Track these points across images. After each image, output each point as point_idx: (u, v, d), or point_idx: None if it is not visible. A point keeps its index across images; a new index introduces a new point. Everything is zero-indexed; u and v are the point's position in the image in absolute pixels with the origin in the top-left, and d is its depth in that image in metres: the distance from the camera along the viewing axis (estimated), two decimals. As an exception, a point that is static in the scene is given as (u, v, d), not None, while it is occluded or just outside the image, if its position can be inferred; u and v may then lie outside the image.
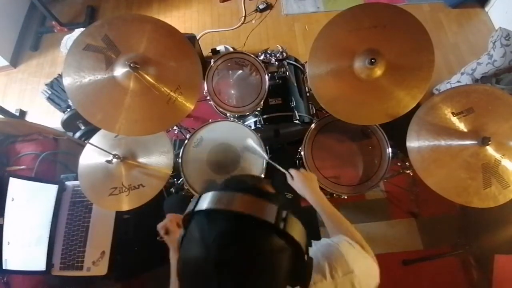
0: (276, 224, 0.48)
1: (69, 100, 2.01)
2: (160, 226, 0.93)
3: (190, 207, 0.54)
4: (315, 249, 0.69)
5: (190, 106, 1.09)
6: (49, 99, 2.09)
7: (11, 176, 1.22)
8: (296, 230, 0.50)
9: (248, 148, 1.28)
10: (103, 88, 1.04)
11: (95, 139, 1.30)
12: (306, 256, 0.52)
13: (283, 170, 1.07)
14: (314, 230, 1.17)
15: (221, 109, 1.47)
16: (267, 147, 1.34)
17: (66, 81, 1.02)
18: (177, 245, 0.81)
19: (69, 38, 2.28)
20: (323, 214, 0.91)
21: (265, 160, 1.28)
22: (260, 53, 1.64)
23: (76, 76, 1.03)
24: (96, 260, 1.26)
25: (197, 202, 0.53)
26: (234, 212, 0.48)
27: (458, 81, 1.96)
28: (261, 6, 2.56)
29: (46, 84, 2.12)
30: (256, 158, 1.31)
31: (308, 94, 1.67)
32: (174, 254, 0.91)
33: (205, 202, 0.51)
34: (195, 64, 1.12)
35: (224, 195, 0.51)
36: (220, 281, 0.45)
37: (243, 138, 1.32)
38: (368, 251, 0.79)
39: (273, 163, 1.15)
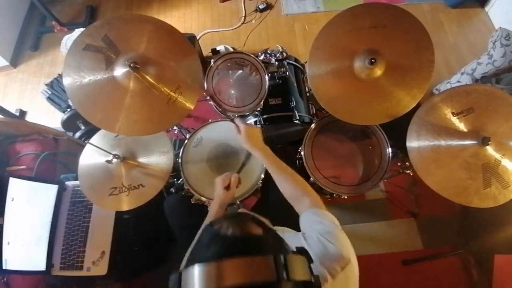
0: (278, 279, 0.44)
1: (69, 100, 2.01)
2: (222, 178, 1.02)
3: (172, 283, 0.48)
4: (311, 251, 0.68)
5: (190, 106, 1.09)
6: (49, 99, 2.09)
7: (11, 176, 1.22)
8: (299, 269, 0.47)
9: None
10: (103, 88, 1.04)
11: (95, 139, 1.30)
12: (312, 278, 0.50)
13: (230, 120, 1.11)
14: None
15: (221, 109, 1.47)
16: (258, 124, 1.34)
17: (66, 81, 1.02)
18: (227, 200, 0.91)
19: (69, 38, 2.28)
20: (271, 168, 0.95)
21: None
22: (260, 53, 1.64)
23: (76, 76, 1.02)
24: (96, 260, 1.26)
25: (179, 285, 0.46)
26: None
27: (458, 81, 1.96)
28: (261, 6, 2.56)
29: (46, 84, 2.12)
30: (256, 159, 1.31)
31: (308, 94, 1.66)
32: (217, 203, 0.98)
33: (192, 284, 0.45)
34: (195, 64, 1.12)
35: (209, 270, 0.44)
36: None
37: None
38: (320, 204, 0.83)
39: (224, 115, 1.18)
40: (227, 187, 1.02)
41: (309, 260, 0.52)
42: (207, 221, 0.94)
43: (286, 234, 0.60)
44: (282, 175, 0.93)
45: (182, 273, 0.47)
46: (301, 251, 0.53)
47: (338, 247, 0.67)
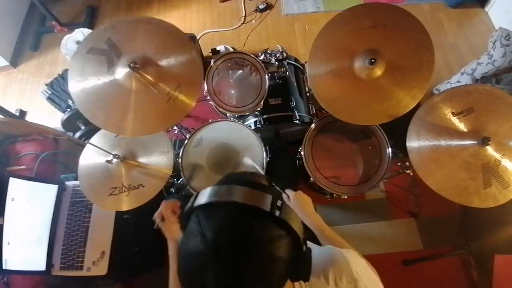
0: (271, 211, 0.49)
1: (69, 100, 2.02)
2: (156, 215, 0.95)
3: (188, 205, 0.55)
4: (319, 253, 0.68)
5: (190, 104, 1.09)
6: (49, 99, 2.09)
7: (11, 176, 1.22)
8: (292, 218, 0.51)
9: (247, 164, 1.28)
10: (105, 90, 1.05)
11: (95, 139, 1.30)
12: (304, 247, 0.52)
13: (281, 191, 1.00)
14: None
15: (221, 109, 1.48)
16: (267, 147, 1.34)
17: (71, 85, 1.04)
18: (174, 234, 0.85)
19: (69, 38, 2.28)
20: (323, 239, 0.88)
21: (265, 161, 1.28)
22: (260, 53, 1.64)
23: (80, 79, 1.04)
24: (96, 260, 1.26)
25: (195, 198, 0.54)
26: (230, 202, 0.50)
27: (458, 81, 1.96)
28: (261, 6, 2.56)
29: (46, 84, 2.12)
30: (256, 158, 1.31)
31: (308, 94, 1.67)
32: (171, 243, 0.92)
33: (202, 197, 0.53)
34: (195, 61, 1.12)
35: (219, 189, 0.53)
36: (217, 269, 0.46)
37: (243, 138, 1.33)
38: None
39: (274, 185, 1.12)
40: (163, 219, 0.94)
41: (305, 240, 0.54)
42: (171, 251, 0.91)
43: None
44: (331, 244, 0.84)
45: (199, 192, 0.55)
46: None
47: (347, 259, 0.67)
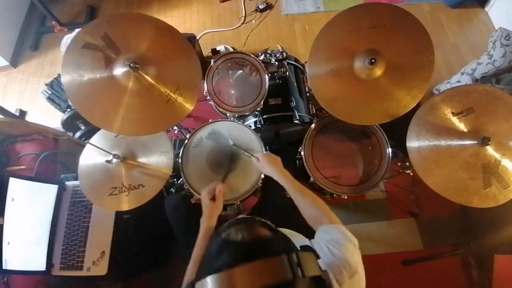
0: (294, 277, 0.44)
1: (69, 100, 2.02)
2: (207, 190, 0.99)
3: None
4: (320, 260, 0.68)
5: (189, 107, 1.09)
6: (49, 99, 2.09)
7: (11, 176, 1.22)
8: (311, 265, 0.48)
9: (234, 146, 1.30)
10: (102, 87, 1.04)
11: (95, 139, 1.30)
12: (322, 273, 0.51)
13: (249, 154, 1.17)
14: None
15: (221, 109, 1.47)
16: (267, 147, 1.34)
17: (65, 79, 1.02)
18: (213, 218, 0.90)
19: (69, 38, 2.28)
20: (292, 192, 0.96)
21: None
22: (260, 53, 1.64)
23: (75, 74, 1.02)
24: (96, 260, 1.26)
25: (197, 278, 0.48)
26: None
27: (458, 81, 1.96)
28: (261, 6, 2.56)
29: (46, 84, 2.12)
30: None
31: (308, 94, 1.66)
32: (206, 224, 0.94)
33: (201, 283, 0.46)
34: (195, 64, 1.12)
35: (222, 280, 0.45)
36: None
37: (243, 138, 1.33)
38: (338, 222, 0.83)
39: (239, 147, 1.25)
40: (213, 198, 0.99)
41: (316, 256, 0.53)
42: (201, 233, 0.92)
43: (294, 238, 0.60)
44: (303, 198, 0.94)
45: (196, 285, 0.47)
46: (307, 248, 0.55)
47: (345, 255, 0.67)
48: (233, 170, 1.28)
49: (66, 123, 1.85)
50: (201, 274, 0.48)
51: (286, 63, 1.61)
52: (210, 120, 1.41)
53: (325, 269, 0.63)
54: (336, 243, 0.70)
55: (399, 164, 1.41)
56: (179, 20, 2.63)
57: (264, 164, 1.08)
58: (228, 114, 1.49)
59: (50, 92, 2.09)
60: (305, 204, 0.92)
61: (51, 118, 2.23)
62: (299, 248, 0.55)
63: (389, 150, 1.35)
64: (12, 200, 1.20)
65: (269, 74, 1.47)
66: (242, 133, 1.36)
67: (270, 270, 0.44)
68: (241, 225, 0.53)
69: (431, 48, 1.09)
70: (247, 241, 0.50)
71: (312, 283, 0.47)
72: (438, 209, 1.77)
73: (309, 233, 0.83)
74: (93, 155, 1.26)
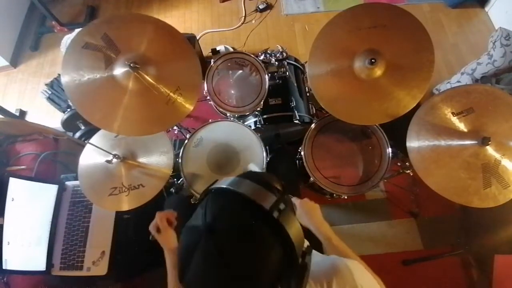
0: (270, 211, 0.50)
1: (69, 100, 2.01)
2: (151, 227, 0.93)
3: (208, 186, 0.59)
4: (323, 260, 0.68)
5: (189, 107, 1.09)
6: (49, 99, 2.09)
7: (11, 176, 1.22)
8: (291, 226, 0.50)
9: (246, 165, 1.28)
10: (102, 87, 1.04)
11: (95, 139, 1.30)
12: (300, 260, 0.52)
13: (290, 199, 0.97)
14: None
15: (221, 109, 1.48)
16: (267, 147, 1.34)
17: (65, 80, 1.02)
18: (170, 244, 0.85)
19: (69, 38, 2.28)
20: (330, 249, 0.84)
21: (265, 161, 1.28)
22: (260, 53, 1.64)
23: (75, 75, 1.02)
24: (96, 260, 1.26)
25: (213, 183, 0.59)
26: (236, 192, 0.53)
27: (458, 81, 1.96)
28: (261, 6, 2.56)
29: (46, 84, 2.12)
30: (256, 158, 1.31)
31: (308, 94, 1.66)
32: (168, 253, 0.91)
33: (219, 183, 0.57)
34: (195, 64, 1.12)
35: (234, 180, 0.56)
36: (206, 248, 0.48)
37: (243, 138, 1.33)
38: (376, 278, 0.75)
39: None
40: (158, 231, 0.92)
41: (309, 250, 0.54)
42: (168, 265, 0.90)
43: None
44: (340, 254, 0.80)
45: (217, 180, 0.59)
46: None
47: (350, 267, 0.65)
48: (239, 170, 1.27)
49: (66, 123, 1.85)
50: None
51: (286, 63, 1.61)
52: (210, 120, 1.41)
53: (322, 278, 0.63)
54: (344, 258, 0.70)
55: (399, 164, 1.42)
56: (179, 20, 2.63)
57: (301, 214, 0.91)
58: (228, 114, 1.49)
59: (50, 92, 2.09)
60: None
61: (51, 118, 2.23)
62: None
63: (389, 150, 1.35)
64: (12, 200, 1.20)
65: (269, 74, 1.47)
66: (242, 133, 1.36)
67: (259, 193, 0.54)
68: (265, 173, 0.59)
69: (431, 48, 1.09)
70: (262, 177, 0.59)
71: (279, 236, 0.50)
72: (438, 209, 1.77)
73: (310, 234, 0.82)
74: (93, 155, 1.26)
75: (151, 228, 0.93)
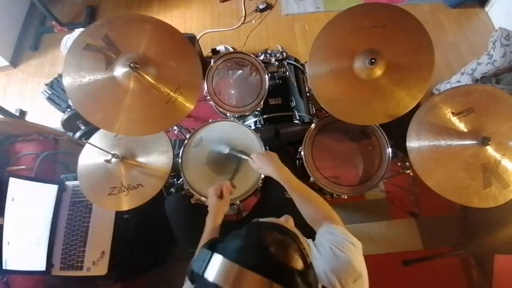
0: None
1: (69, 100, 2.01)
2: (213, 190, 0.99)
3: (196, 267, 0.49)
4: (321, 259, 0.68)
5: (190, 106, 1.09)
6: (49, 99, 2.09)
7: (11, 176, 1.22)
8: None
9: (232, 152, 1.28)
10: (103, 88, 1.04)
11: (95, 138, 1.30)
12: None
13: (245, 157, 1.12)
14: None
15: (221, 109, 1.47)
16: (267, 147, 1.34)
17: (66, 81, 1.02)
18: (221, 214, 0.90)
19: (69, 38, 2.28)
20: (292, 192, 0.92)
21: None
22: (260, 53, 1.64)
23: (76, 76, 1.03)
24: (96, 260, 1.26)
25: (206, 265, 0.48)
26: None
27: (458, 81, 1.96)
28: (261, 6, 2.56)
29: (46, 84, 2.12)
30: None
31: (308, 94, 1.66)
32: (211, 219, 0.95)
33: (213, 272, 0.47)
34: (195, 64, 1.12)
35: (231, 270, 0.46)
36: None
37: (243, 138, 1.33)
38: (341, 223, 0.82)
39: (234, 153, 1.22)
40: (220, 196, 1.00)
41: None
42: (206, 233, 0.92)
43: None
44: (303, 197, 0.91)
45: (214, 254, 0.49)
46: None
47: (350, 258, 0.66)
48: (239, 170, 1.27)
49: (66, 123, 1.85)
50: (224, 246, 0.50)
51: (286, 63, 1.61)
52: (210, 120, 1.41)
53: (330, 277, 0.63)
54: (340, 245, 0.69)
55: (399, 164, 1.42)
56: (179, 20, 2.63)
57: (260, 165, 1.03)
58: (228, 114, 1.49)
59: (50, 92, 2.09)
60: (305, 204, 0.90)
61: (51, 118, 2.23)
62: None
63: (389, 150, 1.35)
64: (12, 200, 1.20)
65: (269, 74, 1.47)
66: (242, 133, 1.36)
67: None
68: (283, 239, 0.50)
69: (431, 48, 1.09)
70: (276, 258, 0.47)
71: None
72: (438, 209, 1.77)
73: (310, 233, 0.82)
74: (92, 155, 1.26)
75: (212, 191, 0.98)
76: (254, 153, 1.08)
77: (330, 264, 0.66)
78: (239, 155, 1.21)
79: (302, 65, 1.73)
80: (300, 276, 0.46)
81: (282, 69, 1.58)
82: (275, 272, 0.46)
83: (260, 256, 0.48)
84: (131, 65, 1.00)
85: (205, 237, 0.91)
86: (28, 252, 1.24)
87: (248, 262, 0.46)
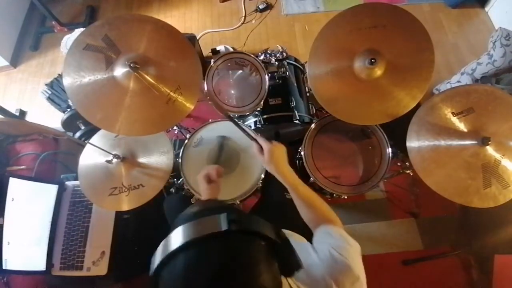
0: (230, 229, 0.47)
1: (69, 100, 2.01)
2: (202, 175, 0.96)
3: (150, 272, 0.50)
4: (320, 264, 0.67)
5: (190, 106, 1.09)
6: (49, 99, 2.09)
7: (11, 176, 1.22)
8: (252, 222, 0.50)
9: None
10: (103, 88, 1.04)
11: (95, 139, 1.30)
12: (279, 239, 0.51)
13: (251, 136, 0.98)
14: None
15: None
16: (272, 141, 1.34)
17: (66, 81, 1.02)
18: (214, 195, 0.89)
19: (69, 38, 2.28)
20: (297, 197, 0.87)
21: None
22: (260, 53, 1.64)
23: (76, 76, 1.03)
24: (96, 260, 1.26)
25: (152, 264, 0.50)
26: (183, 245, 0.47)
27: (458, 81, 1.96)
28: (261, 6, 2.56)
29: (46, 84, 2.12)
30: (256, 158, 1.31)
31: (308, 94, 1.67)
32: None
33: (156, 258, 0.49)
34: (195, 64, 1.12)
35: (168, 241, 0.50)
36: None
37: (243, 138, 1.32)
38: (340, 224, 0.81)
39: (239, 123, 1.04)
40: (209, 181, 0.96)
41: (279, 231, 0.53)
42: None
43: (293, 239, 0.59)
44: (308, 203, 0.87)
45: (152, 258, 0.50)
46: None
47: (348, 262, 0.66)
48: (240, 169, 1.26)
49: (66, 123, 1.85)
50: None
51: (286, 63, 1.61)
52: (210, 120, 1.41)
53: (327, 280, 0.63)
54: (339, 248, 0.68)
55: (399, 164, 1.42)
56: (179, 20, 2.63)
57: (268, 160, 0.90)
58: (228, 114, 1.49)
59: (50, 92, 2.09)
60: (308, 208, 0.86)
61: (51, 118, 2.23)
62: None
63: (389, 150, 1.35)
64: (12, 200, 1.20)
65: (269, 74, 1.47)
66: (242, 133, 1.36)
67: (203, 224, 0.49)
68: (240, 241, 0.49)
69: (431, 48, 1.09)
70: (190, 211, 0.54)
71: (251, 235, 0.49)
72: (438, 209, 1.77)
73: (310, 234, 0.82)
74: (93, 155, 1.26)
75: (202, 177, 0.96)
76: (264, 141, 0.93)
77: (329, 268, 0.65)
78: (245, 132, 1.02)
79: (302, 65, 1.73)
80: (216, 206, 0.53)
81: (282, 69, 1.58)
82: (197, 215, 0.52)
83: (184, 216, 0.54)
84: (131, 65, 1.00)
85: None
86: (28, 252, 1.24)
87: (178, 223, 0.52)
